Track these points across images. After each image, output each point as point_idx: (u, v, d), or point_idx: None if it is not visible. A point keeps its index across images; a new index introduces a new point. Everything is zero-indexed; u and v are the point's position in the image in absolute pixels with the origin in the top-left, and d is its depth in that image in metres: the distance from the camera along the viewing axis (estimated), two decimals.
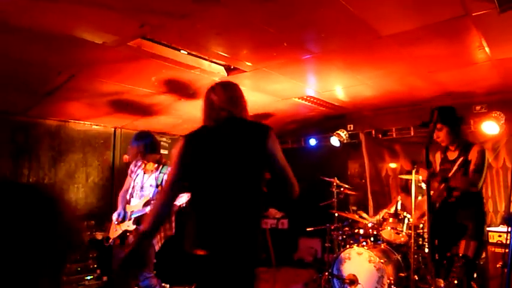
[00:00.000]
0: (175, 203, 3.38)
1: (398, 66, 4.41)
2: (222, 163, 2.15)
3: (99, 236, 4.99)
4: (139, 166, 3.90)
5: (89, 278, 4.89)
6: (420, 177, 4.16)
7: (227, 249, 2.08)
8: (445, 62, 4.22)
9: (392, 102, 6.02)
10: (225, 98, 2.29)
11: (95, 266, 4.96)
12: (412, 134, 6.21)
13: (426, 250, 4.52)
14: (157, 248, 3.71)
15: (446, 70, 4.51)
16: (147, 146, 3.75)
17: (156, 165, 3.83)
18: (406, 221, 4.66)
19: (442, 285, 4.38)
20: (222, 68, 4.37)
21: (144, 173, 3.86)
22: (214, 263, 2.08)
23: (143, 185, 3.82)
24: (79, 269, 4.83)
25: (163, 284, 5.29)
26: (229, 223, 2.09)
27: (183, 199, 3.46)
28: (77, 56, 3.74)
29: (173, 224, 3.86)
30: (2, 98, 4.33)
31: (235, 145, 2.18)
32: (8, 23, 2.98)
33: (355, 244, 4.67)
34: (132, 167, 3.98)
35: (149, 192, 3.76)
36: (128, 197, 3.88)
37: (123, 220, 3.73)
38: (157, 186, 3.76)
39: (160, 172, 3.80)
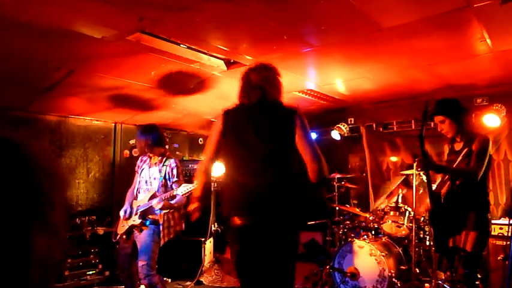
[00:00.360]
0: (179, 193, 3.40)
1: (398, 59, 4.38)
2: (256, 136, 2.35)
3: (100, 231, 5.00)
4: (145, 161, 3.94)
5: (90, 272, 4.91)
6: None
7: (263, 218, 2.22)
8: (445, 54, 4.19)
9: (393, 95, 5.99)
10: (262, 77, 2.54)
11: (97, 260, 4.98)
12: (413, 127, 6.19)
13: (428, 243, 4.53)
14: (162, 242, 3.71)
15: (447, 63, 4.48)
16: (154, 139, 3.78)
17: (160, 157, 3.86)
18: (407, 214, 4.66)
19: (443, 277, 4.39)
20: (222, 62, 4.35)
21: (149, 167, 3.88)
22: (252, 231, 2.24)
23: (148, 179, 3.85)
24: (81, 263, 4.84)
25: (164, 279, 5.33)
26: (260, 193, 2.26)
27: (183, 189, 3.45)
28: (76, 51, 3.73)
29: (183, 220, 3.87)
30: (2, 94, 4.31)
31: (268, 121, 2.43)
32: (6, 18, 2.96)
33: (356, 237, 4.68)
34: (138, 162, 4.01)
35: (154, 185, 3.79)
36: (135, 192, 3.91)
37: (130, 216, 3.76)
38: (161, 179, 3.78)
39: (163, 165, 3.82)
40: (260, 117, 2.43)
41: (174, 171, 3.79)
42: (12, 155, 0.65)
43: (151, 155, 3.88)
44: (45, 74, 4.10)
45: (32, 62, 3.82)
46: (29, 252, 0.63)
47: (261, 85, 2.50)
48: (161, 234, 3.68)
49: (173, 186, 3.74)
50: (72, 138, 5.38)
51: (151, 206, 3.63)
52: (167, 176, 3.78)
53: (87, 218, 5.18)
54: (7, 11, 2.89)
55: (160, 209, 3.62)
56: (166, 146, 6.17)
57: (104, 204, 5.55)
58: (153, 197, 3.70)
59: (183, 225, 3.92)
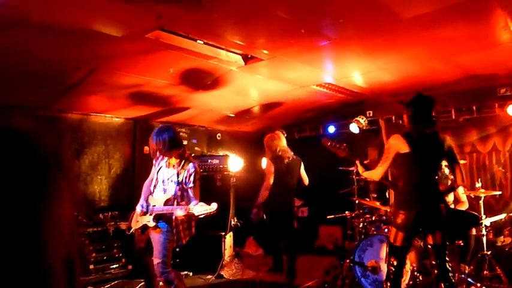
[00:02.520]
0: (195, 213, 3.40)
1: (418, 50, 4.31)
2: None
3: (123, 225, 5.10)
4: (162, 158, 3.85)
5: (114, 266, 5.03)
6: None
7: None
8: (467, 44, 4.10)
9: (413, 87, 5.86)
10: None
11: (120, 255, 5.09)
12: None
13: None
14: (177, 244, 3.76)
15: (468, 52, 4.38)
16: (166, 142, 3.61)
17: (178, 160, 3.77)
18: None
19: (466, 271, 4.33)
20: (239, 57, 4.36)
21: (167, 167, 3.83)
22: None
23: (165, 180, 3.81)
24: (105, 257, 4.96)
25: (185, 272, 5.42)
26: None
27: (201, 209, 3.46)
28: (97, 50, 3.79)
29: (193, 229, 3.87)
30: (27, 93, 4.43)
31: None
32: (27, 20, 3.03)
33: (377, 231, 4.65)
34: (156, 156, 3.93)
35: (171, 188, 3.74)
36: (151, 188, 3.90)
37: (145, 213, 3.78)
38: (178, 183, 3.71)
39: (182, 168, 3.73)
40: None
41: (192, 178, 3.68)
42: (19, 144, 0.66)
43: (167, 156, 3.78)
44: (67, 74, 4.19)
45: (54, 62, 3.90)
46: (38, 243, 0.63)
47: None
48: (174, 238, 3.69)
49: (189, 192, 3.69)
50: (93, 136, 5.49)
51: (167, 212, 3.63)
52: (184, 181, 3.70)
53: (109, 213, 5.29)
54: (29, 12, 2.96)
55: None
56: (184, 142, 6.26)
57: (125, 199, 5.66)
58: (168, 201, 3.67)
59: (194, 230, 3.88)
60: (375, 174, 3.72)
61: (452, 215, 3.67)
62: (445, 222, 3.42)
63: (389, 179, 6.21)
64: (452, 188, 3.73)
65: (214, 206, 3.47)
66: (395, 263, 3.44)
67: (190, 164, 3.74)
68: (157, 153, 3.72)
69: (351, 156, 4.04)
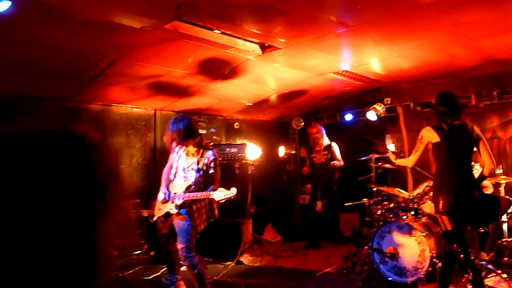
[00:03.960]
0: (215, 198, 3.50)
1: (437, 35, 4.26)
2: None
3: (145, 213, 5.23)
4: (181, 147, 3.93)
5: (137, 252, 5.19)
6: None
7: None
8: (488, 27, 4.03)
9: (431, 73, 5.83)
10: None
11: (142, 241, 5.24)
12: None
13: None
14: (200, 228, 3.85)
15: (489, 36, 4.30)
16: (181, 132, 3.67)
17: (196, 148, 3.85)
18: None
19: (486, 258, 4.31)
20: (257, 46, 4.39)
21: (187, 155, 3.91)
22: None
23: (185, 167, 3.90)
24: (128, 244, 5.12)
25: (206, 258, 5.54)
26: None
27: (221, 194, 3.55)
28: (117, 42, 3.88)
29: (216, 212, 3.98)
30: (51, 85, 4.56)
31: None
32: (48, 12, 3.12)
33: (395, 218, 4.66)
34: (174, 144, 3.99)
35: (192, 176, 3.83)
36: (171, 176, 3.99)
37: (167, 200, 3.87)
38: (198, 170, 3.80)
39: (201, 156, 3.82)
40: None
41: (212, 164, 3.78)
42: (78, 150, 0.66)
43: (185, 145, 3.85)
44: (89, 65, 4.30)
45: (76, 54, 4.01)
46: (91, 246, 0.64)
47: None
48: (197, 222, 3.78)
49: (210, 177, 3.78)
50: (115, 126, 5.62)
51: (188, 198, 3.72)
52: (205, 168, 3.79)
53: (131, 201, 5.44)
54: (53, 5, 3.05)
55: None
56: (203, 131, 6.35)
57: (146, 188, 5.80)
58: (188, 188, 3.76)
59: (216, 213, 3.98)
60: (408, 162, 4.13)
61: (486, 200, 3.77)
62: (478, 208, 3.61)
63: (409, 169, 6.19)
64: (483, 176, 3.78)
65: (233, 190, 3.57)
66: (455, 248, 3.57)
67: (210, 152, 3.83)
68: (174, 142, 3.79)
69: (386, 149, 4.45)
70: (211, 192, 3.58)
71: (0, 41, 3.46)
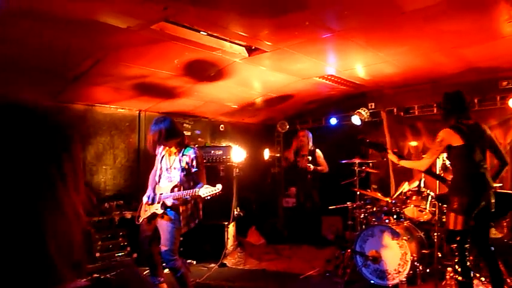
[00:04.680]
0: (201, 195, 3.48)
1: (421, 43, 4.34)
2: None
3: (128, 215, 5.18)
4: (164, 148, 3.94)
5: (119, 254, 5.12)
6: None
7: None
8: (470, 36, 4.13)
9: (415, 80, 5.93)
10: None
11: (125, 243, 5.17)
12: (435, 111, 6.12)
13: None
14: (183, 230, 3.83)
15: (471, 45, 4.41)
16: (162, 132, 3.67)
17: (178, 147, 3.86)
18: (429, 198, 4.67)
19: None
20: (243, 48, 4.39)
21: (169, 155, 3.91)
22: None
23: (169, 168, 3.89)
24: (111, 246, 5.05)
25: (189, 261, 5.51)
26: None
27: (206, 190, 3.55)
28: (102, 41, 3.83)
29: (200, 212, 3.97)
30: (32, 83, 4.46)
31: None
32: (32, 9, 3.06)
33: (378, 222, 4.72)
34: (157, 146, 3.99)
35: (175, 176, 3.82)
36: (157, 178, 3.98)
37: (153, 202, 3.85)
38: (182, 169, 3.80)
39: (183, 154, 3.82)
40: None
41: (194, 162, 3.77)
42: (29, 121, 0.64)
43: (166, 146, 3.85)
44: (72, 64, 4.22)
45: (60, 53, 3.93)
46: (42, 224, 0.61)
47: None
48: (182, 223, 3.77)
49: (194, 176, 3.78)
50: (98, 126, 5.54)
51: (174, 198, 3.71)
52: (187, 166, 3.78)
53: (115, 202, 5.37)
54: (35, 2, 2.99)
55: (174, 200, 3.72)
56: (188, 133, 6.31)
57: (130, 189, 5.73)
58: (174, 188, 3.76)
59: (201, 214, 3.98)
60: (420, 165, 3.97)
61: (499, 198, 3.80)
62: (494, 208, 3.63)
63: (391, 172, 6.28)
64: (500, 172, 3.84)
65: (219, 186, 3.57)
66: (458, 247, 3.53)
67: (191, 150, 3.84)
68: (156, 143, 3.78)
69: (386, 150, 4.27)
70: (197, 189, 3.58)
71: None
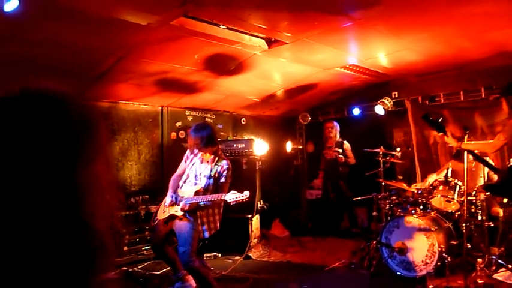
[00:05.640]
0: (227, 199, 3.52)
1: (446, 28, 4.21)
2: None
3: (153, 209, 5.26)
4: (196, 154, 3.98)
5: (146, 248, 5.23)
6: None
7: None
8: (498, 20, 3.97)
9: (439, 66, 5.77)
10: None
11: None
12: (462, 98, 5.95)
13: (479, 218, 4.41)
14: (207, 234, 3.88)
15: (499, 29, 4.24)
16: (204, 138, 3.77)
17: (212, 156, 3.90)
18: (457, 188, 4.55)
19: (497, 253, 4.28)
20: (263, 41, 4.37)
21: (201, 163, 3.95)
22: None
23: (198, 175, 3.92)
24: (137, 239, 5.17)
25: (214, 254, 5.58)
26: None
27: (233, 196, 3.57)
28: (124, 39, 3.89)
29: (218, 224, 3.99)
30: (58, 83, 4.58)
31: None
32: (58, 10, 3.13)
33: (404, 213, 4.64)
34: (188, 153, 4.06)
35: (203, 182, 3.86)
36: (180, 183, 4.00)
37: (174, 203, 3.88)
38: (209, 177, 3.84)
39: (216, 164, 3.86)
40: None
41: (225, 173, 3.83)
42: (52, 107, 0.66)
43: (203, 152, 3.91)
44: (96, 63, 4.31)
45: (83, 52, 4.02)
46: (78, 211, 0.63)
47: None
48: (200, 228, 3.81)
49: (219, 186, 3.81)
50: (123, 123, 5.65)
51: (195, 202, 3.73)
52: (217, 176, 3.83)
53: (141, 197, 5.48)
54: (61, 3, 3.06)
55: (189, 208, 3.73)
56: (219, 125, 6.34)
57: (155, 184, 5.84)
58: (198, 193, 3.79)
59: (218, 225, 4.01)
60: (493, 145, 3.83)
61: None
62: None
63: (417, 162, 6.15)
64: None
65: (246, 193, 3.61)
66: None
67: (224, 161, 3.88)
68: (195, 147, 3.86)
69: (445, 132, 4.00)
70: (223, 194, 3.61)
71: (8, 39, 3.48)
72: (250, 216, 5.93)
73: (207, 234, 3.88)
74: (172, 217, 3.86)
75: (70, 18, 3.30)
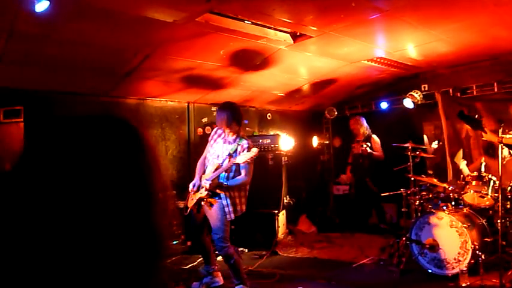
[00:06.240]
0: (239, 162, 3.66)
1: (478, 16, 4.04)
2: None
3: (181, 204, 5.34)
4: (220, 135, 4.03)
5: (174, 242, 5.31)
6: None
7: None
8: None
9: (471, 57, 5.56)
10: None
11: (179, 232, 5.35)
12: (496, 90, 5.71)
13: None
14: (233, 216, 3.86)
15: None
16: (228, 116, 3.87)
17: (234, 136, 3.95)
18: (491, 183, 4.39)
19: None
20: (288, 35, 4.34)
21: (224, 143, 3.98)
22: None
23: (220, 154, 3.95)
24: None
25: (241, 249, 5.60)
26: None
27: (242, 157, 3.68)
28: (150, 36, 3.94)
29: (244, 206, 3.98)
30: (88, 81, 4.71)
31: None
32: (88, 10, 3.20)
33: (435, 209, 4.51)
34: (212, 133, 4.12)
35: (224, 162, 3.90)
36: (206, 164, 4.06)
37: (198, 189, 3.94)
38: (229, 155, 3.88)
39: (236, 143, 3.90)
40: None
41: (245, 152, 3.83)
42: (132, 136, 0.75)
43: (227, 130, 3.96)
44: (124, 61, 4.40)
45: (112, 51, 4.11)
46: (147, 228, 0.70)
47: None
48: (226, 210, 3.82)
49: (241, 168, 3.85)
50: (150, 119, 5.75)
51: (215, 178, 3.80)
52: (236, 154, 3.85)
53: (169, 192, 5.57)
54: (90, 3, 3.13)
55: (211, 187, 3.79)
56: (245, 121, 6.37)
57: (182, 180, 5.90)
58: (217, 169, 3.85)
59: (244, 207, 4.00)
60: None
61: None
62: None
63: (448, 158, 5.96)
64: None
65: (254, 150, 3.77)
66: None
67: (245, 141, 3.92)
68: (221, 126, 3.95)
69: (483, 129, 4.07)
70: (233, 159, 3.73)
71: (41, 40, 3.60)
72: (276, 211, 5.92)
73: (233, 216, 3.87)
74: (200, 202, 3.90)
75: (99, 17, 3.37)
